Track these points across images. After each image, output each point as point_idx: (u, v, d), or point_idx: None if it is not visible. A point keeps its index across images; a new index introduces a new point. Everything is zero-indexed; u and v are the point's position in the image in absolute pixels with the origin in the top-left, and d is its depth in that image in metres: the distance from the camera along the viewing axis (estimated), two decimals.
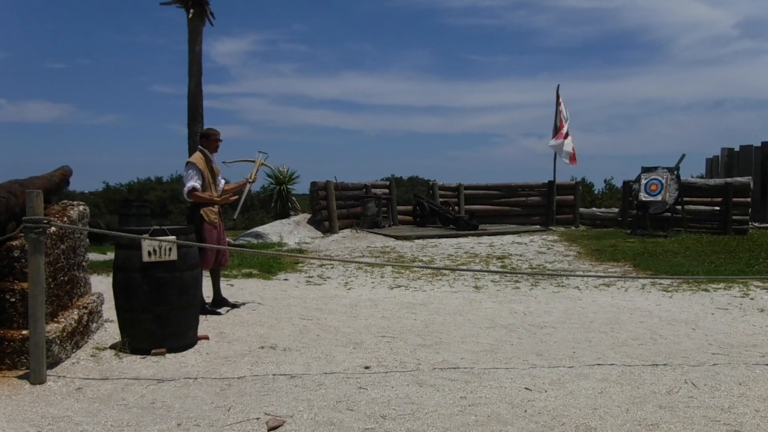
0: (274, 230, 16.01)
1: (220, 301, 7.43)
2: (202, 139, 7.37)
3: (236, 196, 7.60)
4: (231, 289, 8.77)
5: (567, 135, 18.01)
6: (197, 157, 7.15)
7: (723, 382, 4.82)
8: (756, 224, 17.90)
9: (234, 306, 7.51)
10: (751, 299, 8.25)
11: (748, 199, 16.42)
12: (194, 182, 6.97)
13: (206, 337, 5.88)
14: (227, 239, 8.81)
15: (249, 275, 10.04)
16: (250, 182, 7.68)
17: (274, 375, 4.86)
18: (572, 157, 18.11)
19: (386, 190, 18.80)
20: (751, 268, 10.63)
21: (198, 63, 14.67)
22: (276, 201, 19.01)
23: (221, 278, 7.90)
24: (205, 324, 6.42)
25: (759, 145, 21.43)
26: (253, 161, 7.78)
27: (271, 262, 10.95)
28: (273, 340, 5.97)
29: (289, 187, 19.05)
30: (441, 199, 18.84)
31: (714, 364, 5.34)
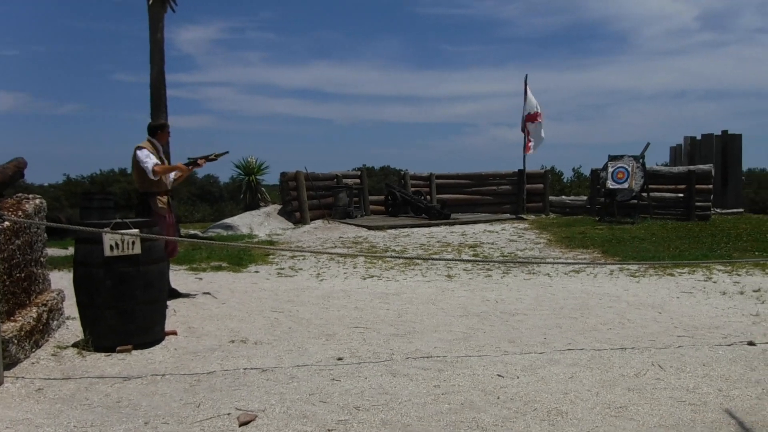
0: (243, 222, 15.85)
1: (170, 292, 7.34)
2: (156, 130, 7.31)
3: (203, 160, 7.45)
4: (200, 282, 8.65)
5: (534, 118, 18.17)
6: (147, 144, 7.12)
7: (688, 364, 4.90)
8: (718, 210, 18.22)
9: (186, 296, 7.49)
10: (714, 282, 8.37)
11: (710, 186, 16.74)
12: (154, 160, 6.94)
13: (174, 333, 5.77)
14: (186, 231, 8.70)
15: (218, 268, 9.92)
16: (200, 160, 7.51)
17: (245, 369, 4.79)
18: (527, 146, 18.32)
19: (358, 180, 18.71)
20: (714, 252, 10.79)
21: (160, 51, 14.35)
22: (245, 192, 18.83)
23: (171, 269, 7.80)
24: (174, 319, 6.32)
25: (719, 133, 21.86)
26: (212, 156, 7.63)
27: (241, 255, 10.83)
28: (244, 333, 5.89)
29: (258, 177, 18.88)
30: (413, 189, 18.81)
31: (679, 347, 5.41)
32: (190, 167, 7.36)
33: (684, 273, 9.10)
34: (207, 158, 7.47)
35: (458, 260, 10.61)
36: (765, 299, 7.31)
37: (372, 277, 9.19)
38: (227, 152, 7.68)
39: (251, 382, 4.46)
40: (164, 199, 7.16)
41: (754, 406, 4.00)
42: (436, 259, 10.51)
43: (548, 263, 9.77)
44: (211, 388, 4.32)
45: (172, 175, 7.32)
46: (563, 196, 21.05)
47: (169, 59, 16.19)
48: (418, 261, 10.42)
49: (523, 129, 18.31)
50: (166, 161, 7.39)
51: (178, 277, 8.58)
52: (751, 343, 5.48)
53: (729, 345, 5.45)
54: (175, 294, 7.40)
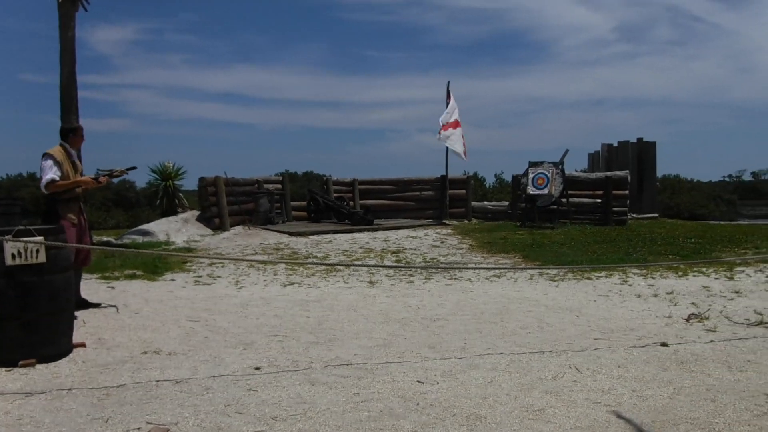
0: (160, 228, 15.43)
1: (79, 303, 7.06)
2: (69, 134, 6.98)
3: (105, 177, 7.16)
4: (112, 291, 8.35)
5: (456, 125, 18.27)
6: (57, 150, 6.77)
7: (604, 366, 5.03)
8: (634, 215, 18.95)
9: (97, 306, 7.20)
10: (630, 286, 8.67)
11: (627, 192, 17.39)
12: (53, 174, 6.58)
13: (83, 345, 5.53)
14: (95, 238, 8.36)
15: (132, 276, 9.60)
16: (101, 178, 7.23)
17: (157, 381, 4.63)
18: (464, 151, 18.43)
19: (279, 186, 18.56)
20: (630, 256, 11.18)
21: (71, 51, 13.80)
22: (162, 197, 18.37)
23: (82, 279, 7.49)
24: (83, 330, 6.07)
25: (635, 141, 22.79)
26: (123, 171, 7.37)
27: (156, 262, 10.52)
28: (157, 344, 5.71)
29: (176, 183, 18.44)
30: (336, 195, 18.78)
31: (595, 349, 5.56)
32: (97, 181, 7.05)
33: (601, 277, 9.39)
34: (111, 174, 7.21)
35: (381, 266, 10.63)
36: (677, 301, 7.61)
37: (293, 284, 9.09)
38: (134, 167, 7.44)
39: (164, 395, 4.31)
40: (74, 205, 6.85)
41: (666, 405, 4.14)
42: (359, 266, 10.49)
43: (470, 268, 9.90)
44: (121, 402, 4.16)
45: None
46: (485, 202, 21.47)
47: (82, 59, 15.60)
48: (340, 267, 10.38)
49: (439, 135, 18.36)
50: (80, 166, 7.06)
51: (89, 287, 8.26)
52: (663, 344, 5.68)
53: (643, 346, 5.64)
54: (85, 304, 7.11)
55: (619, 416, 3.94)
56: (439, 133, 17.94)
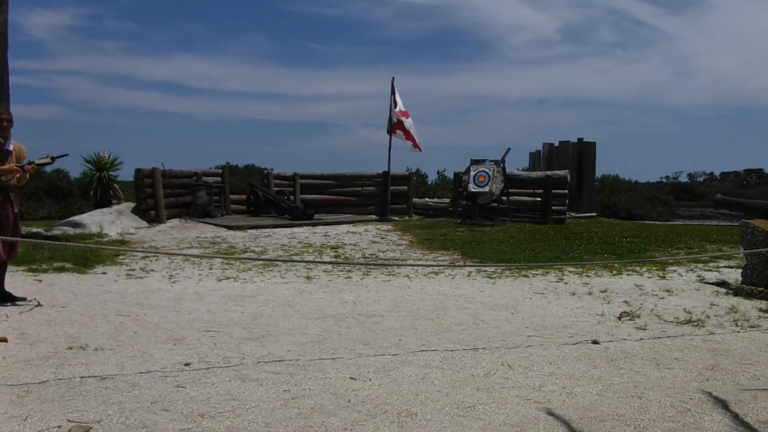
0: (93, 220, 15.05)
1: (3, 296, 6.85)
2: None
3: (32, 166, 6.89)
4: (39, 285, 8.12)
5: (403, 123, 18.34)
6: None
7: (536, 363, 5.15)
8: (573, 214, 19.39)
9: (22, 299, 6.99)
10: (565, 284, 8.87)
11: (566, 191, 17.77)
12: None
13: (4, 339, 5.36)
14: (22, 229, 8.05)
15: (61, 269, 9.34)
16: (27, 166, 6.98)
17: (82, 378, 4.53)
18: (415, 144, 18.47)
19: (219, 179, 18.33)
20: (567, 254, 11.44)
21: (3, 35, 13.34)
22: (96, 188, 17.87)
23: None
24: (5, 324, 5.89)
25: (575, 141, 23.29)
26: (47, 159, 7.11)
27: (88, 255, 10.27)
28: (84, 339, 5.58)
29: (111, 173, 17.97)
30: (276, 189, 18.63)
31: (528, 346, 5.68)
32: (22, 170, 6.78)
33: (538, 274, 9.58)
34: (39, 164, 6.96)
35: (318, 262, 10.61)
36: (611, 299, 7.82)
37: (228, 278, 9.00)
38: (66, 155, 7.22)
39: (88, 392, 4.22)
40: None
41: (594, 402, 4.26)
42: (296, 261, 10.46)
43: (408, 265, 9.98)
44: (42, 399, 4.05)
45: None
46: (427, 199, 21.61)
47: (15, 44, 15.04)
48: (278, 262, 10.33)
49: (389, 132, 18.49)
50: (11, 155, 6.77)
51: (15, 279, 7.99)
52: (595, 342, 5.84)
53: (575, 344, 5.79)
54: (9, 297, 6.89)
55: (549, 413, 4.04)
56: (394, 131, 18.05)
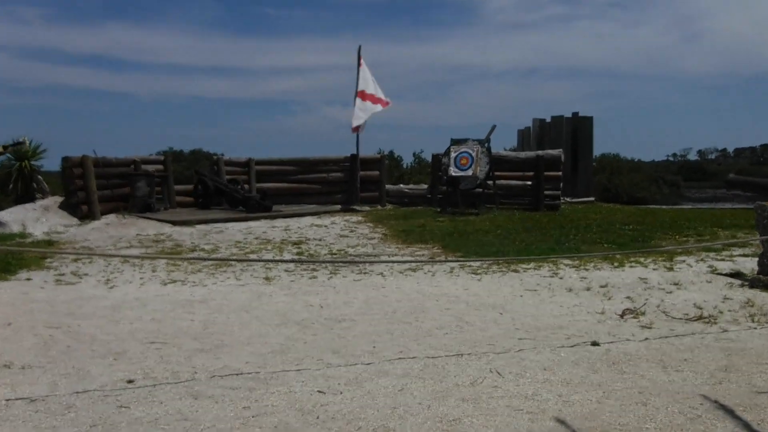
0: (14, 217, 14.89)
1: None
2: None
3: None
4: None
5: (378, 100, 18.36)
6: None
7: (528, 369, 5.24)
8: (568, 199, 19.58)
9: None
10: (560, 278, 8.99)
11: (560, 173, 17.88)
12: None
13: None
14: None
15: None
16: None
17: (7, 401, 4.52)
18: (383, 103, 18.48)
19: (161, 167, 18.24)
20: (562, 245, 11.57)
21: None
22: (16, 181, 17.67)
23: None
24: None
25: (570, 116, 23.42)
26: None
27: (8, 258, 10.17)
28: (8, 356, 5.55)
29: (33, 163, 17.77)
30: (228, 177, 18.58)
31: (520, 350, 5.77)
32: None
33: (529, 269, 9.68)
34: None
35: (279, 261, 10.62)
36: (612, 295, 7.95)
37: (175, 282, 8.99)
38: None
39: (15, 416, 4.23)
40: None
41: (594, 410, 4.35)
42: (253, 261, 10.46)
43: (382, 262, 10.03)
44: None
45: None
46: (401, 185, 21.66)
47: None
48: (232, 262, 10.32)
49: (376, 101, 18.42)
50: None
51: None
52: (594, 344, 5.94)
53: (572, 346, 5.89)
54: None
55: (543, 425, 4.12)
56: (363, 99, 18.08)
